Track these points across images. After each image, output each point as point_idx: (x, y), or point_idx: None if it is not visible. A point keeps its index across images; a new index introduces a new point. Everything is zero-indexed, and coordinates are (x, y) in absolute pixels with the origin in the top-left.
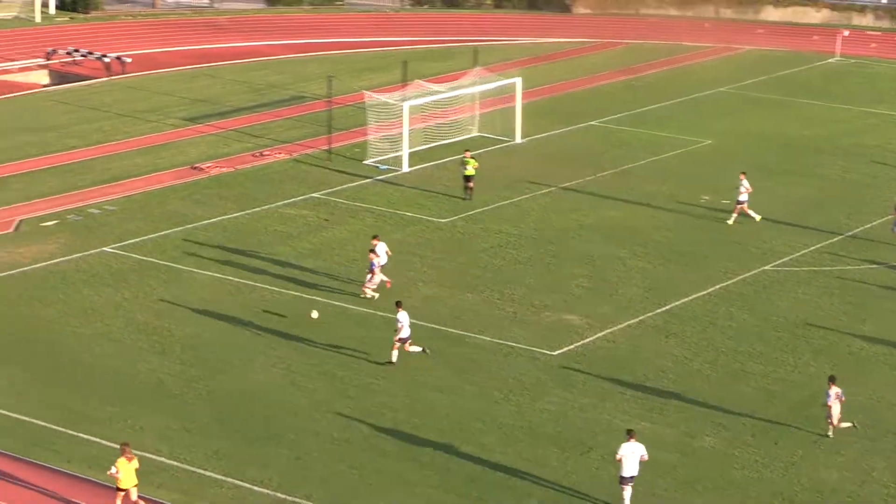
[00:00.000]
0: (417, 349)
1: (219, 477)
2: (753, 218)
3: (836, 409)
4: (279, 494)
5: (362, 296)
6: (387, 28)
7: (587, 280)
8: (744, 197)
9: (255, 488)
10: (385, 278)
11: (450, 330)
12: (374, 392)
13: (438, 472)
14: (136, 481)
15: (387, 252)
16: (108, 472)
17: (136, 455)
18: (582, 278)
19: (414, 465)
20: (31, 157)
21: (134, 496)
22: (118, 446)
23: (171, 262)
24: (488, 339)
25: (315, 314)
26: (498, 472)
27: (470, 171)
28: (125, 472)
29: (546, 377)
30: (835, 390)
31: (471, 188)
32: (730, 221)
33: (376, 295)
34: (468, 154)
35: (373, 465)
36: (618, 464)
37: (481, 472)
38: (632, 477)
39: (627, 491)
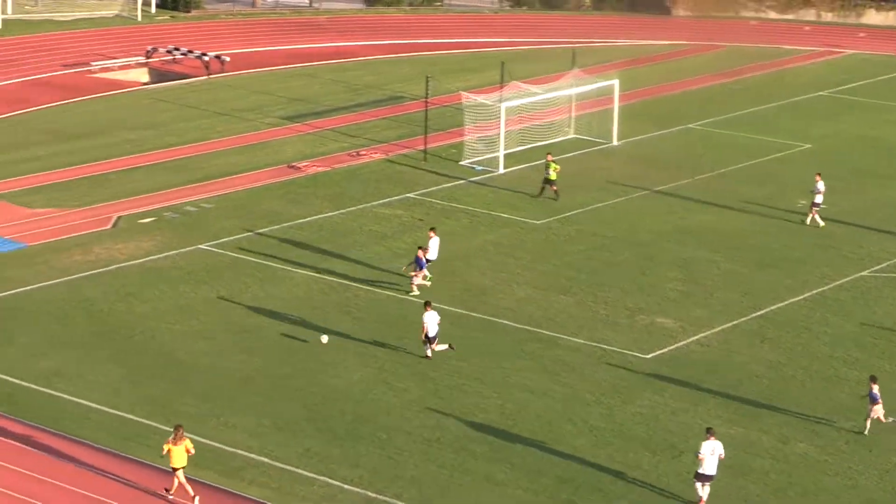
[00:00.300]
0: (443, 347)
1: (310, 475)
2: (818, 224)
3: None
4: (369, 493)
5: (411, 293)
6: (485, 29)
7: (681, 283)
8: (819, 199)
9: (346, 486)
10: (425, 276)
11: (543, 332)
12: (465, 392)
13: (528, 474)
14: (185, 463)
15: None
16: (162, 454)
17: (188, 437)
18: (676, 282)
19: (504, 466)
20: (129, 155)
21: (181, 478)
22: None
23: (266, 261)
24: (581, 341)
25: (325, 338)
26: (588, 474)
27: (552, 175)
28: (175, 454)
29: (638, 380)
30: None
31: (555, 190)
32: (807, 221)
33: (427, 283)
34: (550, 157)
35: (463, 466)
36: (698, 462)
37: (572, 474)
38: (711, 476)
39: (706, 490)
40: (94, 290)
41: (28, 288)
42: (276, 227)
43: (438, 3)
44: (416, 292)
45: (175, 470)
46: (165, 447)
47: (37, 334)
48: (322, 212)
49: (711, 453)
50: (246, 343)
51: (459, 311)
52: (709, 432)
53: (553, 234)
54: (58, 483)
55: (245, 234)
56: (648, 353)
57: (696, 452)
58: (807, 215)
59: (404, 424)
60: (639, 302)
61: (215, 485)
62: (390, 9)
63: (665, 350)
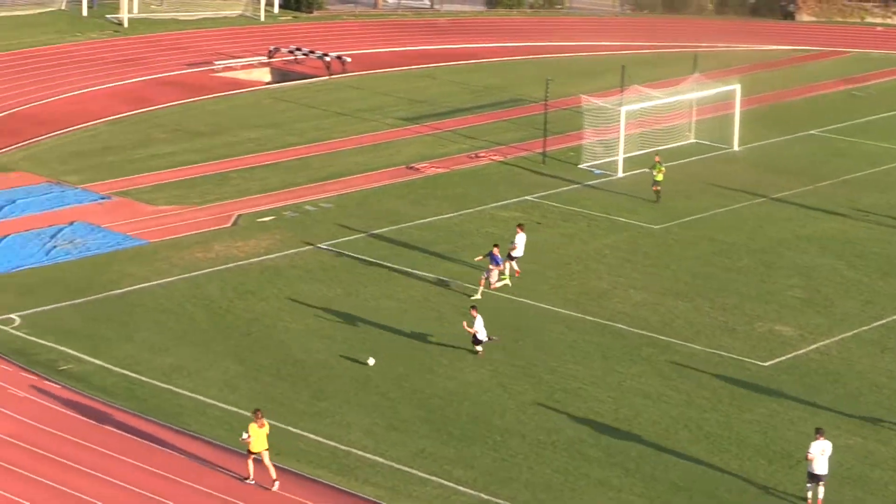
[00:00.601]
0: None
1: (423, 475)
2: None
3: None
4: (483, 495)
5: (492, 287)
6: (606, 32)
7: (801, 291)
8: None
9: (459, 488)
10: (501, 273)
11: (659, 337)
12: (580, 396)
13: (643, 480)
14: (266, 446)
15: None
16: (241, 438)
17: (267, 422)
18: (796, 289)
19: (619, 472)
20: (250, 154)
21: (266, 459)
22: (325, 440)
23: (384, 261)
24: (698, 347)
25: (371, 361)
26: (703, 481)
27: (659, 176)
28: (256, 436)
29: (756, 388)
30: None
31: (657, 191)
32: None
33: (508, 283)
34: (658, 159)
35: (577, 470)
36: (808, 462)
37: (687, 481)
38: (822, 476)
39: (820, 490)
40: (214, 288)
41: (149, 284)
42: (394, 227)
43: (559, 6)
44: (479, 297)
45: (252, 454)
46: (248, 432)
47: (157, 330)
48: (440, 213)
49: (822, 453)
50: (362, 343)
51: (575, 314)
52: (818, 432)
53: (671, 239)
54: (178, 479)
55: (363, 235)
56: (766, 361)
57: (806, 452)
58: None
59: (519, 427)
60: (757, 309)
61: (329, 483)
62: (511, 11)
63: (783, 358)
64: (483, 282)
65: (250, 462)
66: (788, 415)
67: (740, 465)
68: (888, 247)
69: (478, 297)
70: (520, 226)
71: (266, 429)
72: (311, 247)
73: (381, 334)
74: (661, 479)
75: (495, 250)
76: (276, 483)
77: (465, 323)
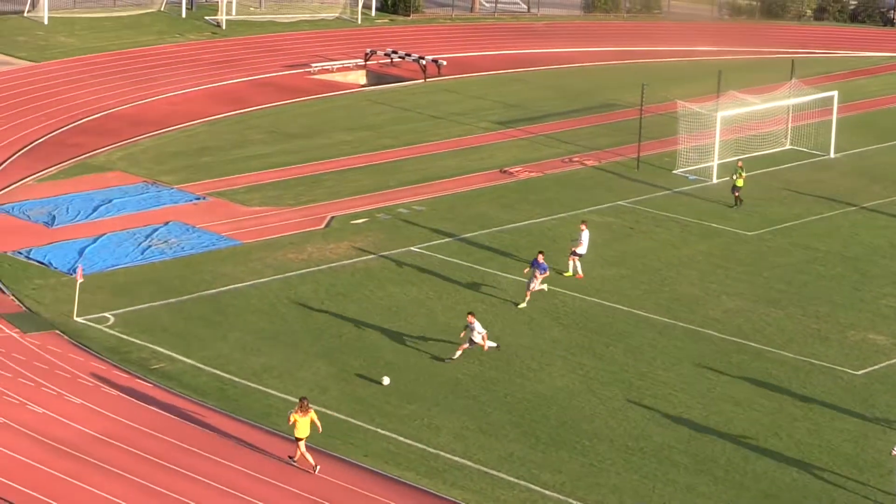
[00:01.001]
0: (493, 344)
1: (511, 479)
2: None
3: None
4: (571, 500)
5: (520, 304)
6: (703, 37)
7: None
8: None
9: (547, 492)
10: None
11: (751, 344)
12: (670, 402)
13: (732, 487)
14: (309, 433)
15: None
16: (289, 423)
17: (313, 408)
18: (890, 297)
19: (707, 479)
20: (345, 156)
21: (303, 447)
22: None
23: (476, 264)
24: (790, 355)
25: (386, 380)
26: (793, 490)
27: (740, 182)
28: (301, 423)
29: (847, 396)
30: None
31: (738, 197)
32: None
33: (544, 287)
34: (740, 164)
35: (665, 476)
36: (893, 459)
37: (776, 489)
38: None
39: None
40: (306, 289)
41: (242, 285)
42: (486, 231)
43: (657, 11)
44: (525, 305)
45: (298, 440)
46: (292, 417)
47: (248, 330)
48: (533, 217)
49: None
50: (453, 346)
51: (667, 320)
52: None
53: (765, 246)
54: (267, 479)
55: (456, 238)
56: (859, 370)
57: (892, 450)
58: None
59: (607, 432)
60: (851, 317)
61: (416, 485)
62: (608, 15)
63: (877, 367)
64: (529, 293)
65: (300, 448)
66: (880, 424)
67: (830, 475)
68: None
69: (523, 305)
70: (583, 222)
71: (310, 416)
72: (403, 249)
73: None
74: (749, 488)
75: (540, 257)
76: (317, 468)
77: (485, 345)
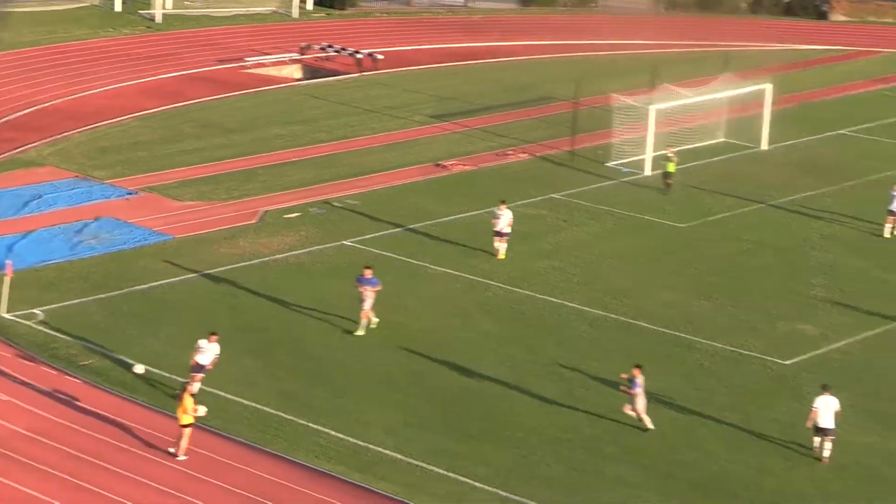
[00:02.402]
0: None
1: (442, 472)
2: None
3: None
4: (501, 492)
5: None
6: (638, 31)
7: (825, 290)
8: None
9: (478, 485)
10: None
11: (682, 335)
12: (599, 393)
13: (660, 477)
14: (191, 420)
15: (510, 223)
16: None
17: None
18: (820, 288)
19: (636, 469)
20: (279, 150)
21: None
22: (344, 436)
23: (408, 258)
24: (720, 345)
25: (139, 368)
26: (721, 480)
27: (671, 168)
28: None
29: (777, 386)
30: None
31: (669, 184)
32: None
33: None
34: (671, 151)
35: (595, 467)
36: (813, 415)
37: (704, 478)
38: (827, 429)
39: (826, 446)
40: (237, 284)
41: (173, 280)
42: (420, 224)
43: (593, 5)
44: (363, 332)
45: (183, 427)
46: (195, 407)
47: (180, 326)
48: (467, 210)
49: (826, 406)
50: (384, 340)
51: (599, 312)
52: (824, 388)
53: (697, 238)
54: (199, 476)
55: (389, 232)
56: (788, 360)
57: (812, 406)
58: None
59: (538, 424)
60: (780, 308)
61: (347, 479)
62: (544, 9)
63: (805, 357)
64: (365, 314)
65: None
66: (808, 413)
67: (759, 464)
68: None
69: (361, 332)
70: (502, 202)
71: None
72: (336, 243)
73: (403, 331)
74: (678, 478)
75: (367, 272)
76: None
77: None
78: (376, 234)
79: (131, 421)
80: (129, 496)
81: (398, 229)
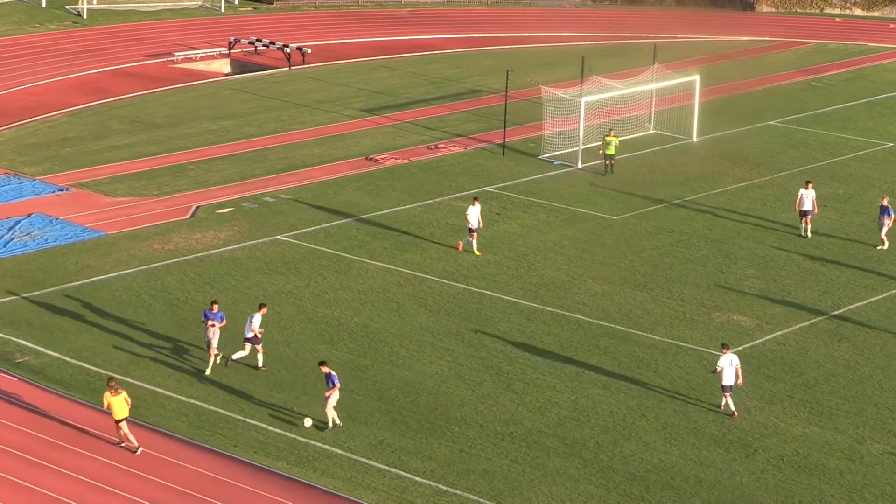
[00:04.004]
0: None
1: (382, 466)
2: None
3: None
4: (441, 486)
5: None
6: (566, 23)
7: (759, 281)
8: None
9: (417, 479)
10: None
11: (617, 327)
12: (539, 387)
13: (601, 470)
14: (127, 414)
15: (479, 220)
16: (104, 407)
17: (123, 389)
18: (754, 279)
19: (576, 462)
20: (210, 145)
21: (124, 429)
22: (283, 431)
23: (343, 252)
24: (656, 337)
25: (308, 422)
26: (661, 471)
27: (611, 150)
28: (116, 405)
29: (714, 378)
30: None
31: (610, 165)
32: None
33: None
34: (611, 132)
35: (535, 461)
36: (719, 375)
37: (644, 470)
38: (731, 385)
39: (729, 399)
40: (172, 279)
41: (107, 276)
42: (353, 218)
43: None
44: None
45: (118, 422)
46: (105, 401)
47: (115, 322)
48: (399, 204)
49: (730, 364)
50: (321, 334)
51: (534, 305)
52: (724, 347)
53: (630, 230)
54: (136, 472)
55: (322, 226)
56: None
57: (714, 368)
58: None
59: (477, 417)
60: (715, 299)
61: (287, 475)
62: (472, 2)
63: (741, 348)
64: (213, 353)
65: (123, 429)
66: (745, 404)
67: (697, 455)
68: (844, 236)
69: (208, 372)
70: (475, 199)
71: (123, 395)
72: (270, 238)
73: (340, 326)
74: (618, 470)
75: (214, 307)
76: (140, 449)
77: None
78: (310, 229)
79: (68, 418)
80: (67, 493)
81: (332, 224)
